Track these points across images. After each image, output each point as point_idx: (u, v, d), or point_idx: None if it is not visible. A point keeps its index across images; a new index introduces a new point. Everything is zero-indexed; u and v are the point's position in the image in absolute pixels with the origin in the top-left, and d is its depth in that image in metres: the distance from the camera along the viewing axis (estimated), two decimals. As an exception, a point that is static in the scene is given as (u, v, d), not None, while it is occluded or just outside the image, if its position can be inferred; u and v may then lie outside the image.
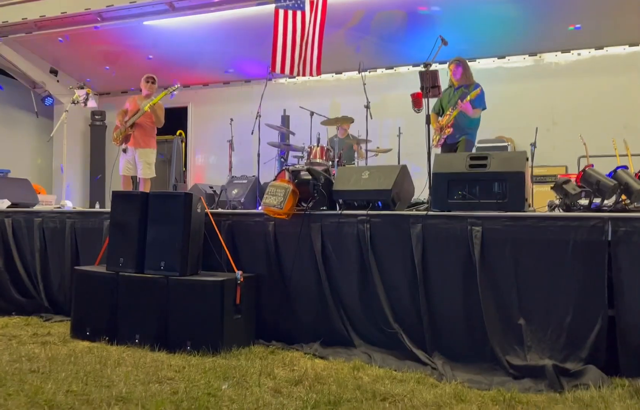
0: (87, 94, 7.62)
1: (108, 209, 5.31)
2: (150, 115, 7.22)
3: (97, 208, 8.36)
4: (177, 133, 10.99)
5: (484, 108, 6.37)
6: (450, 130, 6.32)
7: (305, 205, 4.70)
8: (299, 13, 7.94)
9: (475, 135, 6.58)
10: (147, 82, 7.41)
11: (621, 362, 3.63)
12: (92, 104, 8.08)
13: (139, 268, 4.75)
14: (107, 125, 11.61)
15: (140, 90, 7.53)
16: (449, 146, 6.42)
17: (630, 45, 8.45)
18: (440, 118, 6.52)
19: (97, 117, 11.64)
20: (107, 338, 4.64)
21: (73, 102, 7.53)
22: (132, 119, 7.22)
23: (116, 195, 5.12)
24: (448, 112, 6.36)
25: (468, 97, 6.14)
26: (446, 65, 6.52)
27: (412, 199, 5.03)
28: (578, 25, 8.24)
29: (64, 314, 5.60)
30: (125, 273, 4.76)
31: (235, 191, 7.23)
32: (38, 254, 5.96)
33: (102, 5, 8.93)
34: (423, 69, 5.28)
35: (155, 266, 4.68)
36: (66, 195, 8.30)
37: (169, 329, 4.48)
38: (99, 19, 9.20)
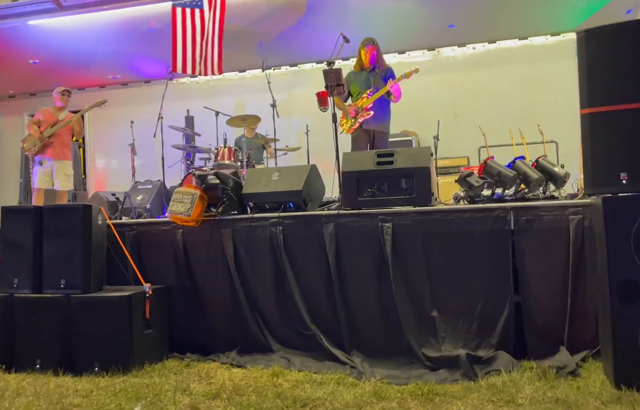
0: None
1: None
2: (69, 127, 7.19)
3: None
4: (74, 139, 10.37)
5: None
6: (371, 113, 5.88)
7: (214, 210, 4.56)
8: (197, 11, 7.75)
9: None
10: (63, 95, 7.32)
11: (528, 345, 3.81)
12: (-26, 110, 7.52)
13: (36, 288, 4.43)
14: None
15: (54, 102, 7.33)
16: (364, 131, 5.98)
17: (520, 38, 8.92)
18: (350, 100, 6.11)
19: (-19, 124, 10.79)
20: (3, 366, 4.27)
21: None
22: (53, 129, 7.05)
23: (6, 210, 4.73)
24: (365, 94, 5.92)
25: (399, 77, 5.79)
26: (349, 62, 6.51)
27: (323, 198, 5.02)
28: (452, 24, 8.52)
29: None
30: (21, 294, 4.42)
31: (139, 197, 6.90)
32: None
33: (-20, 5, 8.26)
34: (327, 68, 5.26)
35: (54, 285, 4.38)
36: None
37: (73, 351, 4.19)
38: (-24, 19, 8.50)
